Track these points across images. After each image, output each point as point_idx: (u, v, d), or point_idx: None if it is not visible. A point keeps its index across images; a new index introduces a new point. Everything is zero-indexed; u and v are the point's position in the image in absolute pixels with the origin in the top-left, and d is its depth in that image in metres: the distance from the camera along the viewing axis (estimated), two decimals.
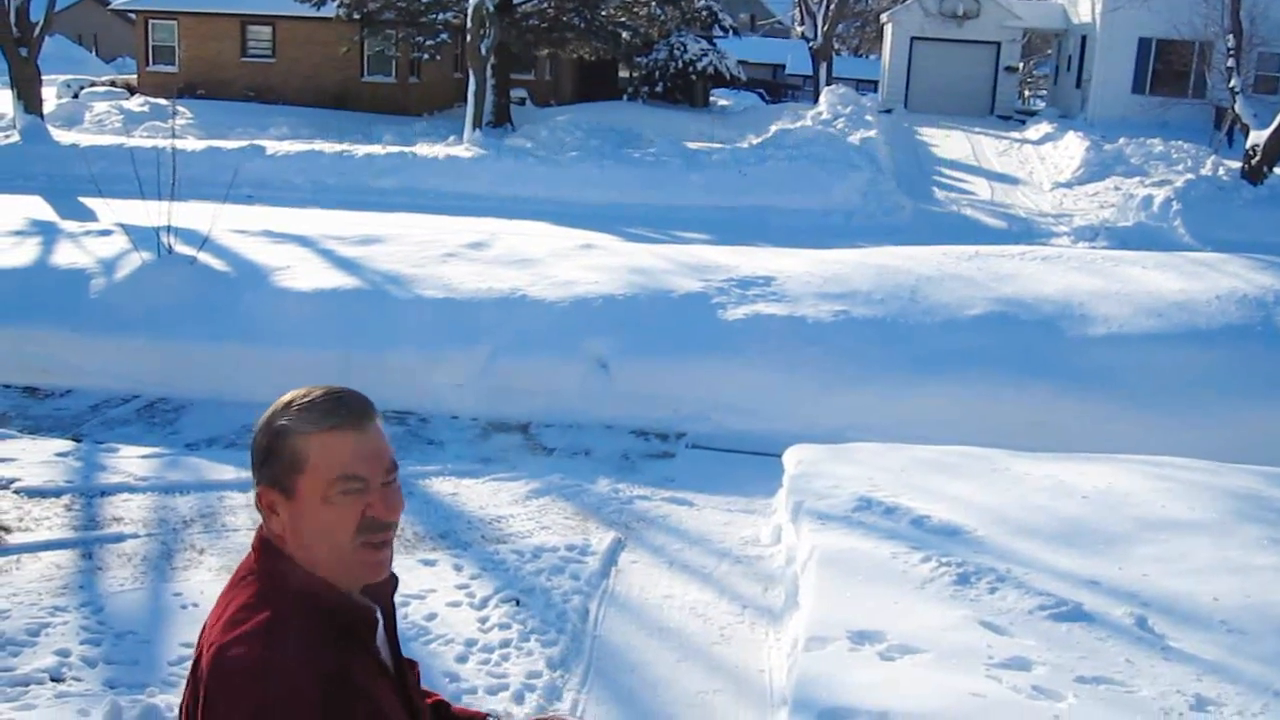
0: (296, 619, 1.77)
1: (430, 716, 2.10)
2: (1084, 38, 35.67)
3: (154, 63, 36.18)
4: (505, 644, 5.29)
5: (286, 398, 1.88)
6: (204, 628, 1.88)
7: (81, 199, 17.03)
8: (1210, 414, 8.70)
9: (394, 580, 1.99)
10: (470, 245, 11.81)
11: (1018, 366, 9.22)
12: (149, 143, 20.73)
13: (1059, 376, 9.10)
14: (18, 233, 12.07)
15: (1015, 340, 9.60)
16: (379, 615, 1.92)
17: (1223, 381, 9.06)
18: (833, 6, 39.18)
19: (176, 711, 4.31)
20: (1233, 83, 23.98)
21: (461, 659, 5.12)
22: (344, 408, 1.85)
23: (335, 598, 1.84)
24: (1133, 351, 9.44)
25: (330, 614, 1.81)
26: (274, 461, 1.84)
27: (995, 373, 9.16)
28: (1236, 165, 23.32)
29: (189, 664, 4.86)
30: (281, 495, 1.84)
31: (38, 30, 25.83)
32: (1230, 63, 24.30)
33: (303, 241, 12.00)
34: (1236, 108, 24.15)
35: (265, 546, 1.88)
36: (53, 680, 4.76)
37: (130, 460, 7.50)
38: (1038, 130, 31.65)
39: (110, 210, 12.59)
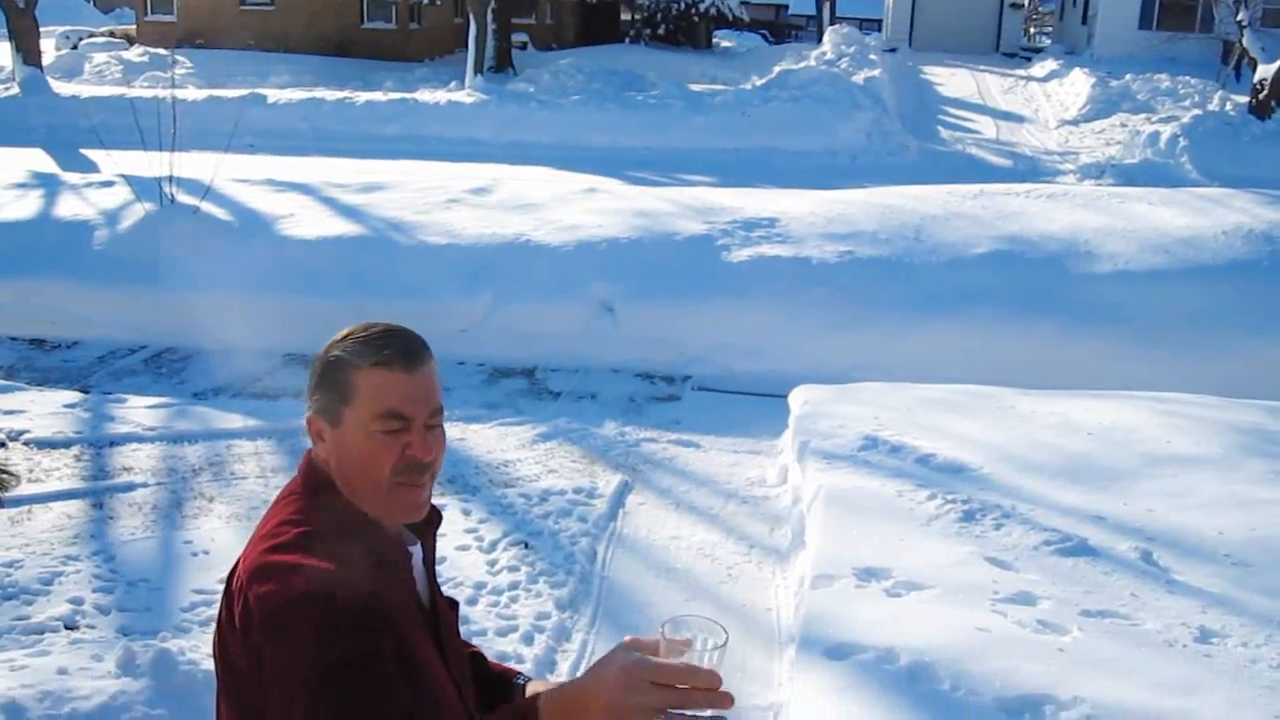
0: (334, 538, 1.80)
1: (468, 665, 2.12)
2: None
3: (152, 13, 35.89)
4: (514, 586, 5.33)
5: (347, 330, 1.92)
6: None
7: (83, 150, 16.96)
8: (1216, 349, 8.70)
9: (437, 517, 2.03)
10: (473, 191, 11.78)
11: (1023, 305, 9.20)
12: (149, 93, 20.60)
13: (1065, 314, 9.09)
14: (20, 185, 12.05)
15: (1021, 279, 9.58)
16: (415, 550, 1.95)
17: (1229, 317, 9.05)
18: None
19: (188, 656, 4.37)
20: (1240, 16, 23.72)
21: (471, 601, 5.15)
22: (398, 345, 1.87)
23: (371, 528, 1.87)
24: (1139, 288, 9.42)
25: (364, 541, 1.83)
26: (324, 389, 1.88)
27: (1001, 311, 9.15)
28: (1244, 100, 23.13)
29: (200, 610, 4.90)
30: (328, 423, 1.87)
31: None
32: None
33: (305, 190, 11.97)
34: (1244, 42, 23.91)
35: (311, 469, 1.92)
36: (66, 628, 4.80)
37: (138, 410, 7.53)
38: (1043, 68, 31.42)
39: (112, 161, 12.55)
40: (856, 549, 4.98)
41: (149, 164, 10.99)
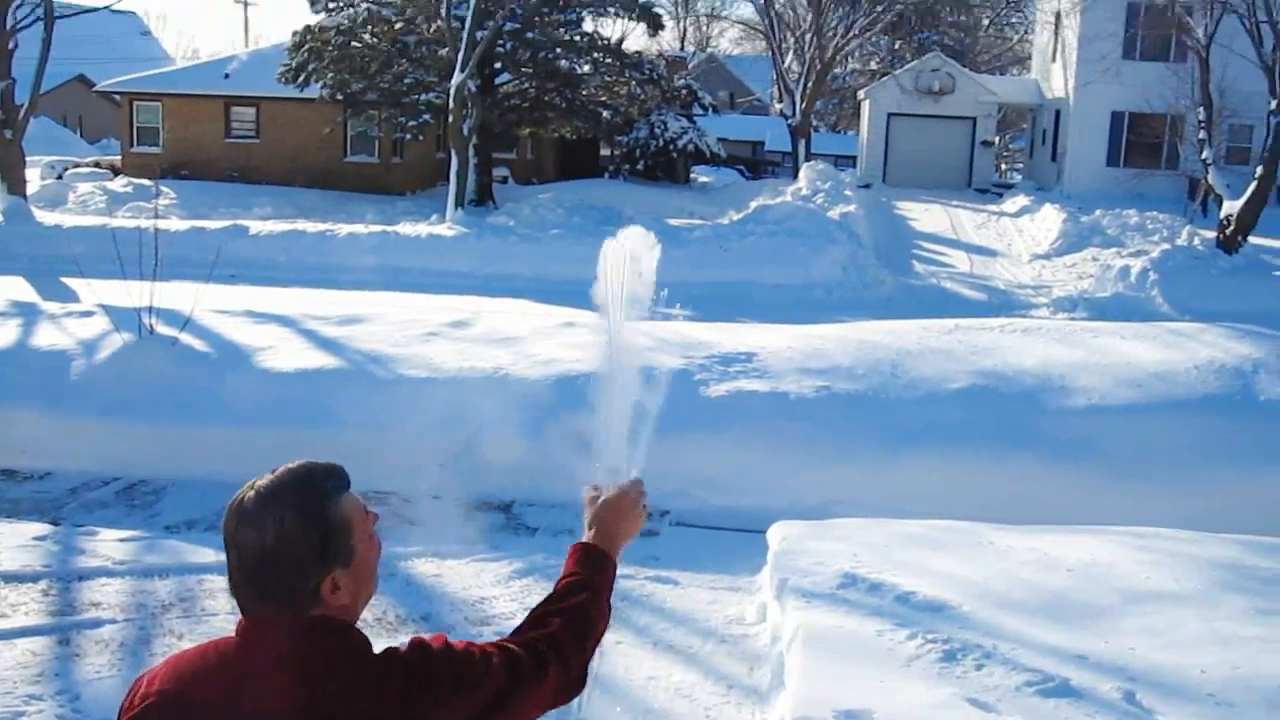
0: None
1: None
2: (1058, 112, 36.21)
3: (138, 144, 36.39)
4: None
5: (296, 489, 1.96)
6: None
7: (64, 279, 17.03)
8: (1192, 484, 8.72)
9: None
10: (452, 324, 11.83)
11: (999, 439, 9.23)
12: (132, 223, 20.74)
13: (1040, 448, 9.12)
14: None
15: (997, 413, 9.63)
16: None
17: (1204, 451, 9.09)
18: (810, 84, 39.71)
19: None
20: (1205, 155, 24.34)
21: None
22: (334, 468, 2.02)
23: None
24: (1113, 422, 9.47)
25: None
26: (333, 541, 1.95)
27: (977, 446, 9.17)
28: (1211, 235, 23.61)
29: None
30: (342, 565, 1.96)
31: (23, 112, 26.00)
32: (1201, 135, 24.69)
33: (285, 321, 12.00)
34: (1209, 179, 24.51)
35: (323, 627, 1.95)
36: None
37: (109, 543, 7.43)
38: (1015, 203, 32.02)
39: (92, 291, 12.59)
40: (837, 690, 4.91)
41: (129, 294, 11.01)
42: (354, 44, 30.50)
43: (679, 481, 9.05)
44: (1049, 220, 27.34)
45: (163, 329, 10.93)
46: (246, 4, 65.87)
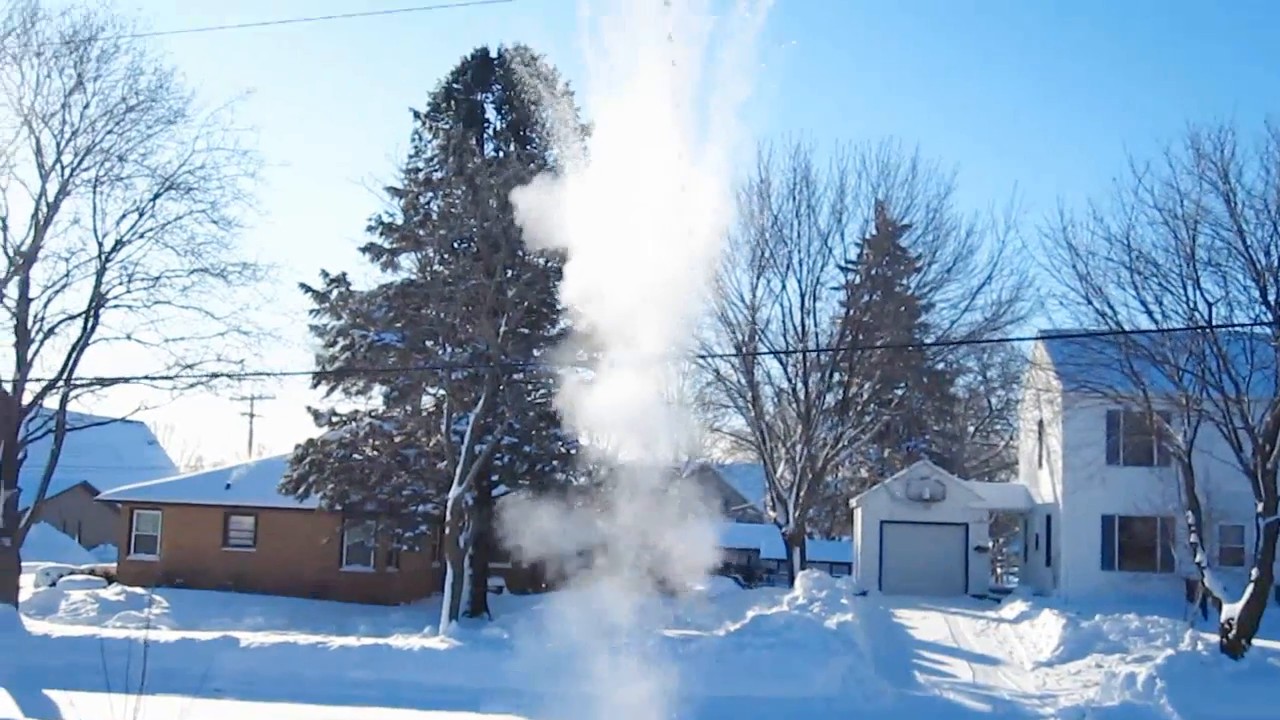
0: None
1: None
2: (1049, 517, 36.64)
3: (135, 551, 36.53)
4: None
5: None
6: None
7: (46, 691, 16.67)
8: None
9: None
10: None
11: None
12: (122, 633, 20.60)
13: None
14: None
15: None
16: None
17: None
18: (802, 492, 40.38)
19: None
20: (1198, 557, 24.45)
21: None
22: None
23: None
24: None
25: None
26: None
27: None
28: (1214, 638, 23.36)
29: None
30: None
31: (24, 521, 26.27)
32: (1193, 538, 24.89)
33: None
34: (1206, 581, 24.49)
35: None
36: None
37: None
38: (1013, 609, 31.82)
39: (74, 707, 12.30)
40: None
41: (112, 709, 10.75)
42: (355, 456, 31.24)
43: None
44: (1049, 626, 27.09)
45: None
46: (252, 417, 67.80)
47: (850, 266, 44.92)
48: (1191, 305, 24.56)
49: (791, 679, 19.87)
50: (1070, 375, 28.77)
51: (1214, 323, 23.91)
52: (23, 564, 26.84)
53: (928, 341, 44.29)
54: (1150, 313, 25.43)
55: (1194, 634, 24.59)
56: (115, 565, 37.47)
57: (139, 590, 31.55)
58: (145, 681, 11.04)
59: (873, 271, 43.36)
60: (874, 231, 43.11)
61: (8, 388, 26.28)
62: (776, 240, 40.12)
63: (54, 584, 33.91)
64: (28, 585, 29.43)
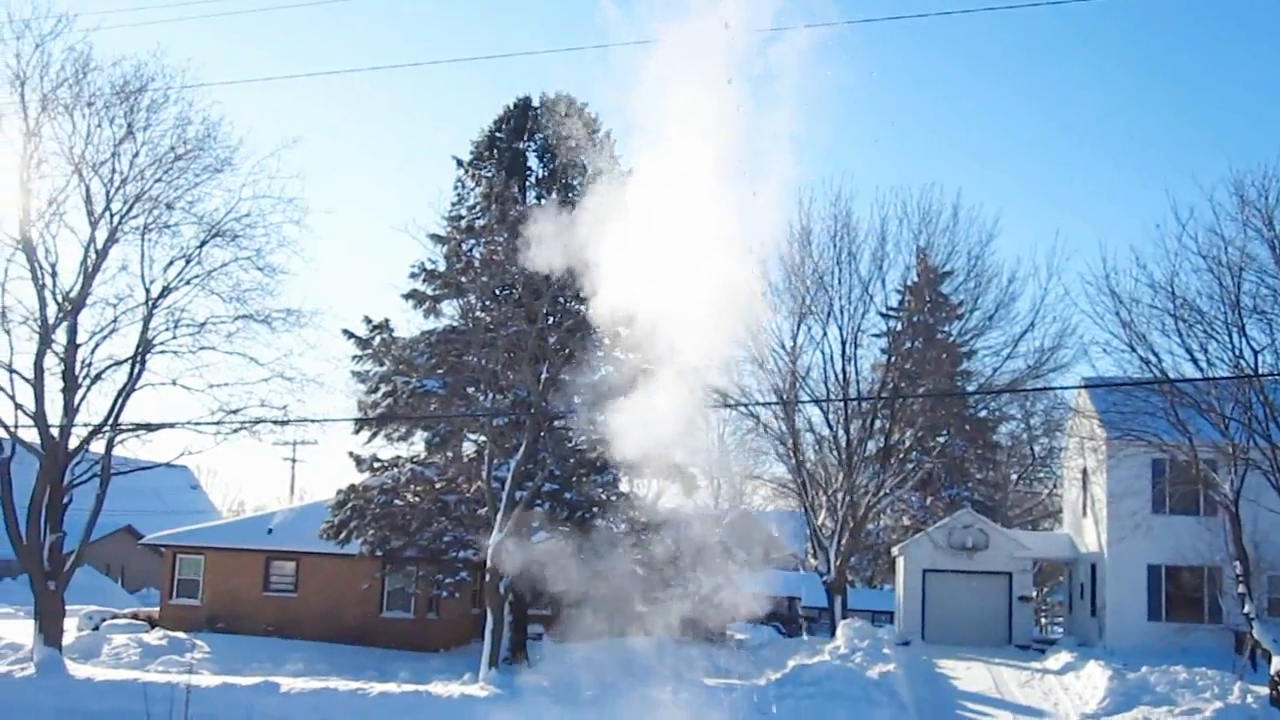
0: None
1: None
2: (1093, 566, 36.18)
3: (177, 596, 36.74)
4: None
5: None
6: None
7: None
8: None
9: None
10: None
11: None
12: (164, 678, 20.68)
13: None
14: None
15: None
16: None
17: None
18: (844, 541, 40.09)
19: None
20: (1247, 608, 24.07)
21: None
22: None
23: None
24: None
25: None
26: None
27: None
28: (1263, 690, 22.94)
29: None
30: None
31: (69, 564, 26.49)
32: (1240, 589, 24.51)
33: None
34: (1255, 633, 24.09)
35: None
36: None
37: None
38: (1058, 659, 31.35)
39: None
40: None
41: None
42: (396, 502, 31.35)
43: None
44: (1095, 678, 26.66)
45: None
46: (294, 462, 68.21)
47: (891, 313, 44.85)
48: (1237, 353, 24.34)
49: None
50: (1114, 423, 28.51)
51: (1260, 370, 23.66)
52: (67, 607, 27.04)
53: (970, 389, 44.05)
54: (1195, 360, 25.23)
55: (1243, 686, 24.15)
56: (158, 609, 37.70)
57: (181, 635, 31.71)
58: None
59: (914, 318, 43.29)
60: (915, 278, 43.07)
61: (55, 432, 26.61)
62: (818, 287, 40.16)
63: (97, 628, 34.13)
64: (71, 629, 29.63)
